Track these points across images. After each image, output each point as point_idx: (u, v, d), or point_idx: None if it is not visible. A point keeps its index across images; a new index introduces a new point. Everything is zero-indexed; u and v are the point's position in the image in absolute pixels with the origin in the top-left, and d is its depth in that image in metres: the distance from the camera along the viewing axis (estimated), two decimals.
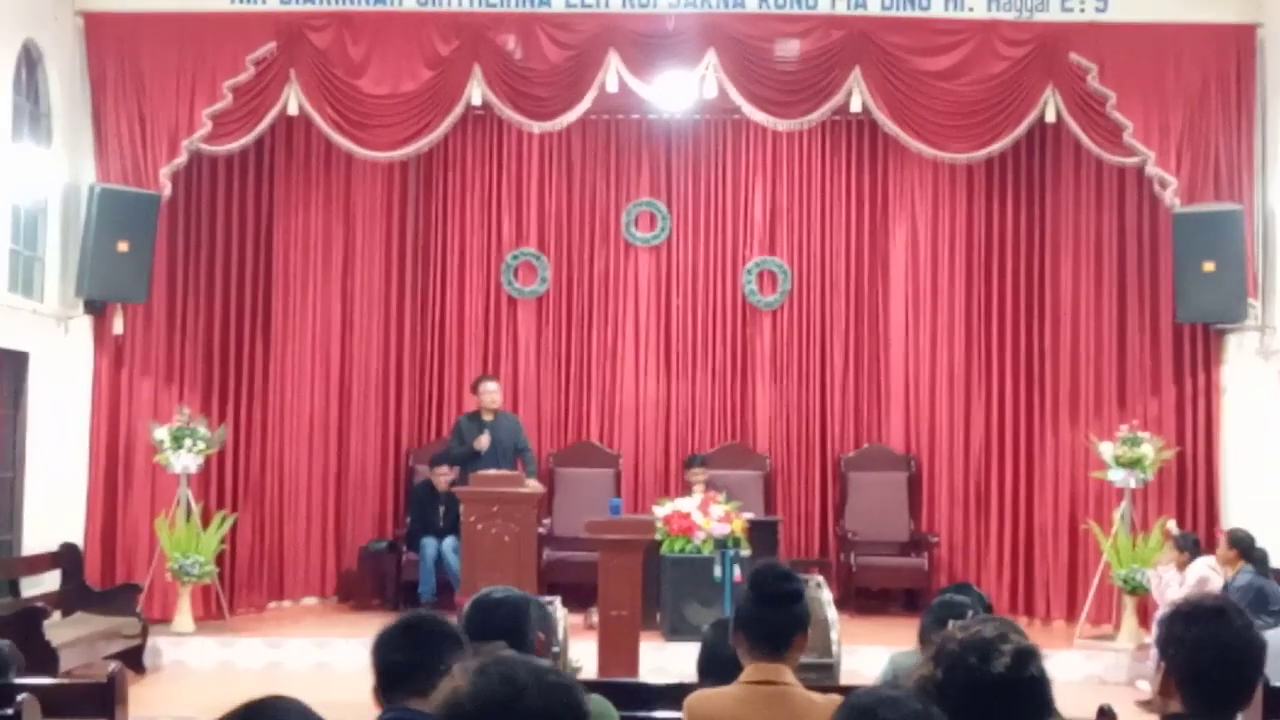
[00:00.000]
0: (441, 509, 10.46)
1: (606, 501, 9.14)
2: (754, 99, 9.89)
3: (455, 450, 10.27)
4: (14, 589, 8.83)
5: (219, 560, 9.74)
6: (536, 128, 10.17)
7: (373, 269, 11.32)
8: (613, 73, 9.76)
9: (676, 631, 8.98)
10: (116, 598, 9.14)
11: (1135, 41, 9.69)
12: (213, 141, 9.70)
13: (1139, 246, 10.49)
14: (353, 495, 11.16)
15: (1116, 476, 9.62)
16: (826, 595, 7.54)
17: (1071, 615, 10.26)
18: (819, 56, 9.88)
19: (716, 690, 3.44)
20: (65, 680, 6.92)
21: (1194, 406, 10.13)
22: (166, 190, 9.64)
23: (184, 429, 9.44)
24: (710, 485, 10.33)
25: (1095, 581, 9.86)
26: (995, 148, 9.95)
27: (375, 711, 3.03)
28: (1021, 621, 9.47)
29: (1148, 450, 9.55)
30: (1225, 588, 8.01)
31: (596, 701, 3.55)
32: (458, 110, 9.87)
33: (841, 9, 9.85)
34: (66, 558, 9.25)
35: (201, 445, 9.49)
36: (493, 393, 10.39)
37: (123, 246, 9.39)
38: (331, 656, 9.17)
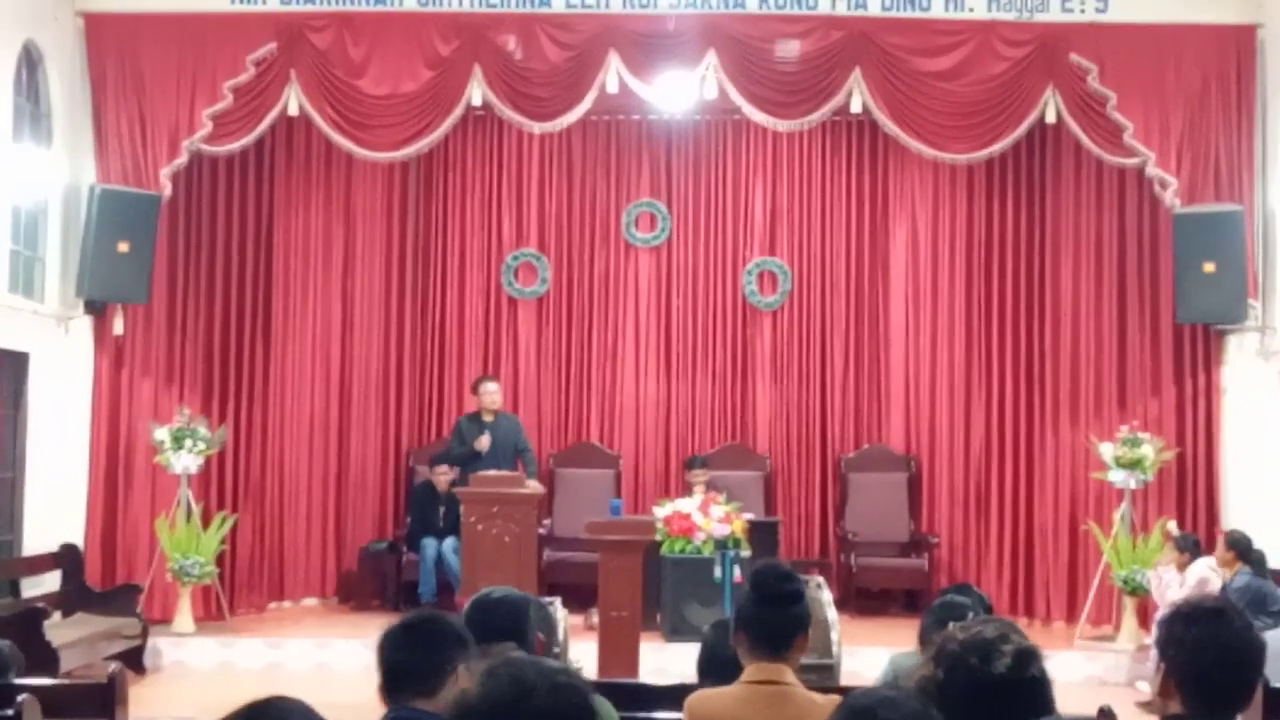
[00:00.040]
0: (442, 509, 10.46)
1: (607, 502, 9.14)
2: (754, 99, 9.89)
3: (455, 451, 10.27)
4: (14, 589, 8.83)
5: (219, 561, 9.75)
6: (537, 128, 10.17)
7: (373, 269, 11.32)
8: (613, 73, 9.76)
9: (677, 632, 8.98)
10: (117, 598, 9.14)
11: (1135, 42, 9.69)
12: (213, 142, 9.70)
13: (1139, 247, 10.49)
14: (353, 496, 11.16)
15: (1117, 477, 9.62)
16: (827, 596, 7.54)
17: (1071, 616, 10.26)
18: (819, 57, 9.88)
19: (717, 690, 3.44)
20: (65, 681, 6.91)
21: (1194, 407, 10.13)
22: (167, 191, 9.64)
23: (184, 429, 9.44)
24: (710, 486, 10.33)
25: (1095, 582, 9.86)
26: (995, 148, 9.96)
27: (377, 712, 3.04)
28: (1021, 622, 9.47)
29: (1148, 451, 9.55)
30: (1223, 589, 8.01)
31: (597, 702, 3.55)
32: (458, 111, 9.87)
33: (842, 9, 9.85)
34: (67, 558, 9.25)
35: (202, 446, 9.49)
36: (493, 393, 10.39)
37: (123, 247, 9.39)
38: (331, 657, 9.16)
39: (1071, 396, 10.67)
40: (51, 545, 9.18)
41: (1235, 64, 9.70)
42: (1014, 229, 10.99)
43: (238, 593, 10.40)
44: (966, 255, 11.15)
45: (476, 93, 9.80)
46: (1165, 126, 9.64)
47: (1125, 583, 9.41)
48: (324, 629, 9.83)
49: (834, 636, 7.17)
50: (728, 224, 11.55)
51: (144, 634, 8.99)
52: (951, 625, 2.57)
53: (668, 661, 8.08)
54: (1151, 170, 9.67)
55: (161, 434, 9.44)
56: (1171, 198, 9.66)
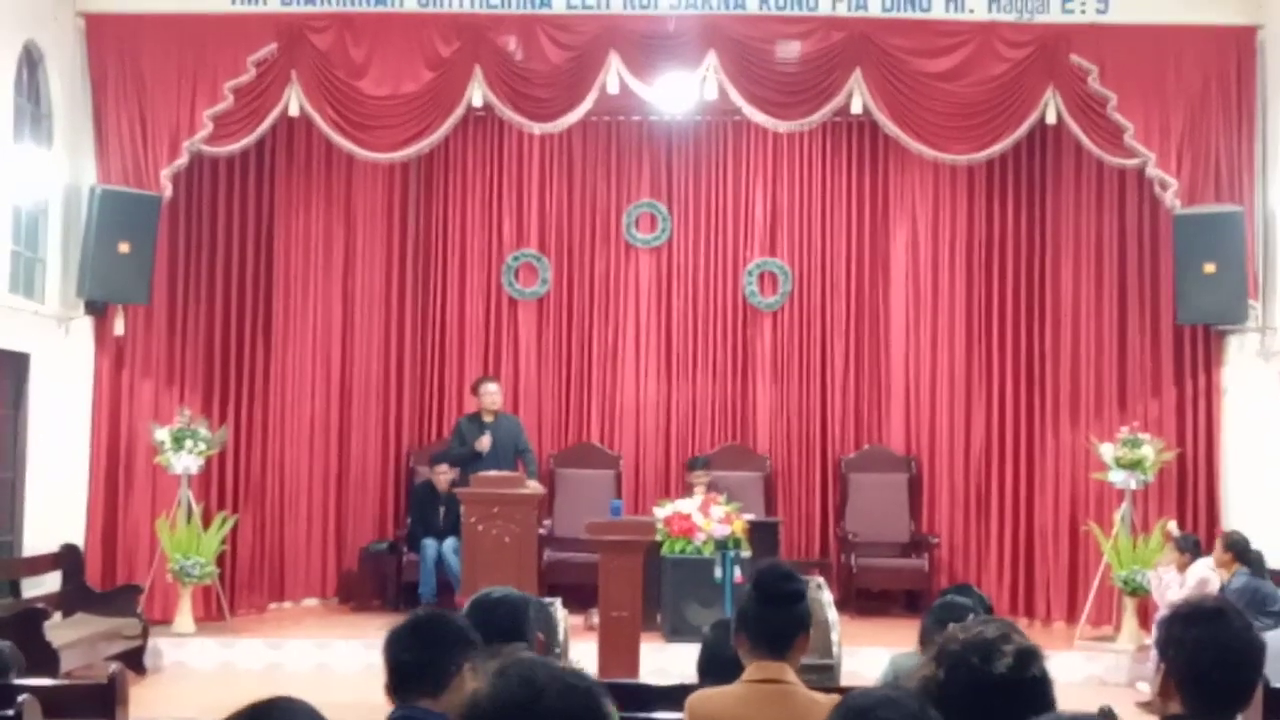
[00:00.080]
0: (442, 510, 10.46)
1: (607, 503, 9.16)
2: (754, 100, 9.89)
3: (456, 451, 10.27)
4: (15, 590, 8.84)
5: (219, 561, 9.74)
6: (537, 129, 10.18)
7: (373, 270, 11.32)
8: (613, 74, 9.76)
9: (677, 632, 8.98)
10: (117, 599, 9.14)
11: (1136, 43, 9.69)
12: (214, 143, 9.70)
13: (1139, 248, 10.49)
14: (353, 496, 11.16)
15: (1117, 478, 9.62)
16: (827, 596, 7.53)
17: (1072, 616, 10.26)
18: (819, 58, 9.88)
19: (718, 689, 3.44)
20: (66, 681, 6.93)
21: (1194, 408, 10.12)
22: (167, 191, 9.64)
23: (185, 430, 9.44)
24: (711, 486, 10.33)
25: (1095, 583, 9.86)
26: (996, 149, 9.96)
27: (377, 712, 3.04)
28: (1022, 623, 9.44)
29: (1148, 451, 9.55)
30: (1221, 590, 8.01)
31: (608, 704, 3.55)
32: (459, 111, 9.87)
33: (842, 10, 9.85)
34: (67, 558, 9.26)
35: (202, 446, 9.49)
36: (493, 394, 10.39)
37: (124, 247, 9.39)
38: (332, 658, 9.16)
39: (1072, 397, 10.67)
40: (52, 545, 9.18)
41: (1235, 65, 9.70)
42: (1014, 230, 10.99)
43: (238, 593, 10.40)
44: (967, 256, 11.15)
45: (477, 93, 9.80)
46: (1165, 127, 9.64)
47: (1125, 583, 9.41)
48: (324, 629, 9.83)
49: (834, 637, 7.16)
50: (728, 225, 11.56)
51: (144, 634, 8.99)
52: (952, 625, 2.57)
53: (668, 662, 8.08)
54: (1152, 171, 9.67)
55: (162, 434, 9.44)
56: (1172, 198, 9.66)
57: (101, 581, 9.45)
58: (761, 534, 9.78)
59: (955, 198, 11.17)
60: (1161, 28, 9.71)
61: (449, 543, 10.10)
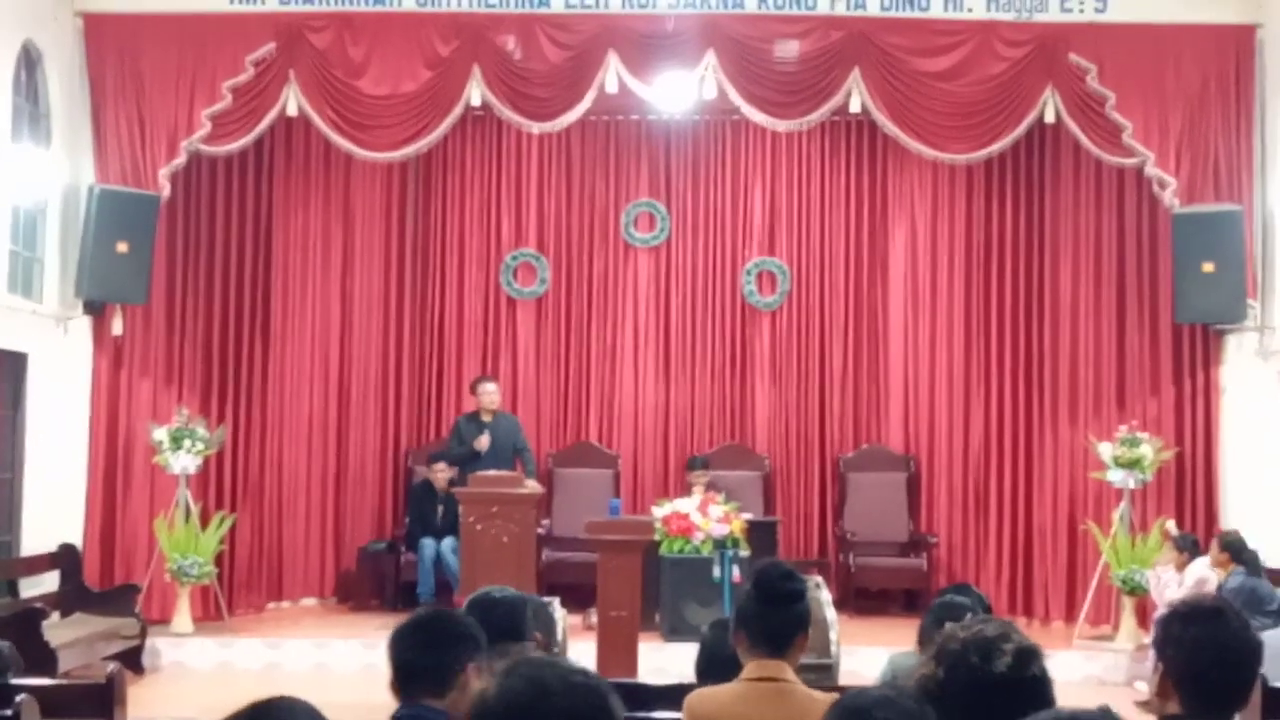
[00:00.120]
0: (440, 509, 10.45)
1: (606, 502, 9.15)
2: (753, 100, 9.89)
3: (454, 451, 10.28)
4: (13, 589, 8.83)
5: (218, 561, 9.74)
6: (536, 128, 10.18)
7: (372, 270, 11.32)
8: (612, 73, 9.76)
9: (675, 632, 8.98)
10: (115, 598, 9.14)
11: (1135, 42, 9.69)
12: (212, 142, 9.70)
13: (1138, 247, 10.49)
14: (352, 496, 11.16)
15: (1115, 477, 9.62)
16: (826, 596, 7.54)
17: (1070, 616, 10.26)
18: (818, 57, 9.88)
19: (717, 688, 3.44)
20: (64, 681, 6.91)
21: (1193, 407, 10.13)
22: (166, 191, 9.64)
23: (183, 430, 9.44)
24: (710, 486, 10.33)
25: (1094, 582, 9.87)
26: (995, 148, 9.96)
27: (376, 712, 3.04)
28: (1020, 622, 9.49)
29: (1147, 451, 9.55)
30: (1218, 590, 8.01)
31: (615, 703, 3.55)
32: (457, 111, 9.87)
33: (841, 10, 9.85)
34: (65, 558, 9.25)
35: (200, 446, 9.48)
36: (491, 393, 10.39)
37: (122, 247, 9.39)
38: (330, 657, 9.16)
39: (1070, 396, 10.67)
40: (50, 545, 9.18)
41: (1234, 64, 9.70)
42: (1013, 229, 10.99)
43: (236, 593, 10.39)
44: (966, 255, 11.15)
45: (476, 93, 9.80)
46: (1164, 126, 9.64)
47: (1124, 582, 9.41)
48: (322, 629, 9.83)
49: (833, 636, 7.17)
50: (727, 224, 11.55)
51: (142, 634, 8.99)
52: (951, 624, 2.56)
53: (666, 661, 8.07)
54: (1150, 170, 9.68)
55: (160, 434, 9.43)
56: (1170, 198, 9.66)
57: (100, 581, 9.45)
58: (760, 533, 9.78)
59: (954, 197, 11.17)
60: (1160, 27, 9.71)
61: (447, 542, 10.09)
